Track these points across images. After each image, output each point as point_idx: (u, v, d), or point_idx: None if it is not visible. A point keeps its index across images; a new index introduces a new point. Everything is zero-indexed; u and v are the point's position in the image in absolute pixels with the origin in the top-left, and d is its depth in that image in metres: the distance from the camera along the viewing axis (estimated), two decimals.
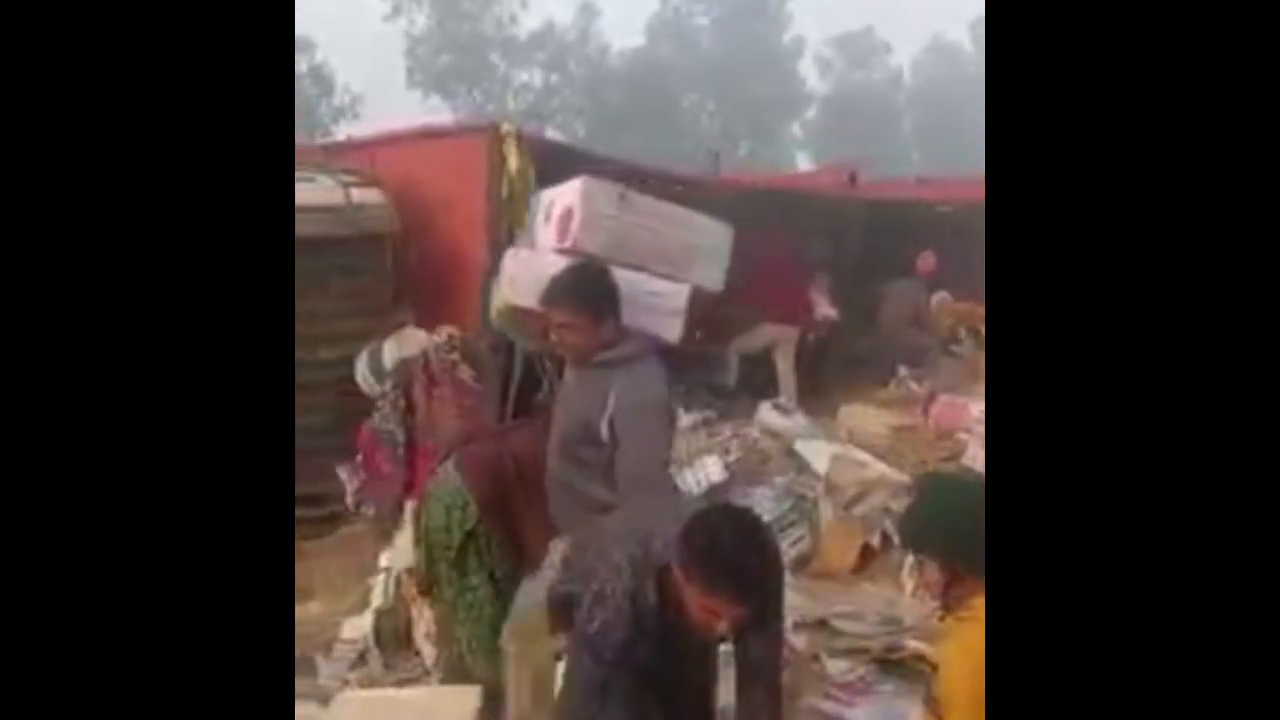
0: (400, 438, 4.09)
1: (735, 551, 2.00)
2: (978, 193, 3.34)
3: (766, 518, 4.69)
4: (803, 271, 7.59)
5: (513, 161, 5.58)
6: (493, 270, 5.59)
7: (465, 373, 4.25)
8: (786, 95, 34.46)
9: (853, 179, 10.04)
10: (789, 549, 4.89)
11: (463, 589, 3.30)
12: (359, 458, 4.30)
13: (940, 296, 8.38)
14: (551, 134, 23.95)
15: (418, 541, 3.39)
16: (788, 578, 4.56)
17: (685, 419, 6.47)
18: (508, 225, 5.71)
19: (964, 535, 1.96)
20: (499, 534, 3.31)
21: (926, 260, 8.42)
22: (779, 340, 7.65)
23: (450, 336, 4.50)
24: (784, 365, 7.59)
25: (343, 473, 4.47)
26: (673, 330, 3.00)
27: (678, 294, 3.02)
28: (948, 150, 28.69)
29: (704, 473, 5.33)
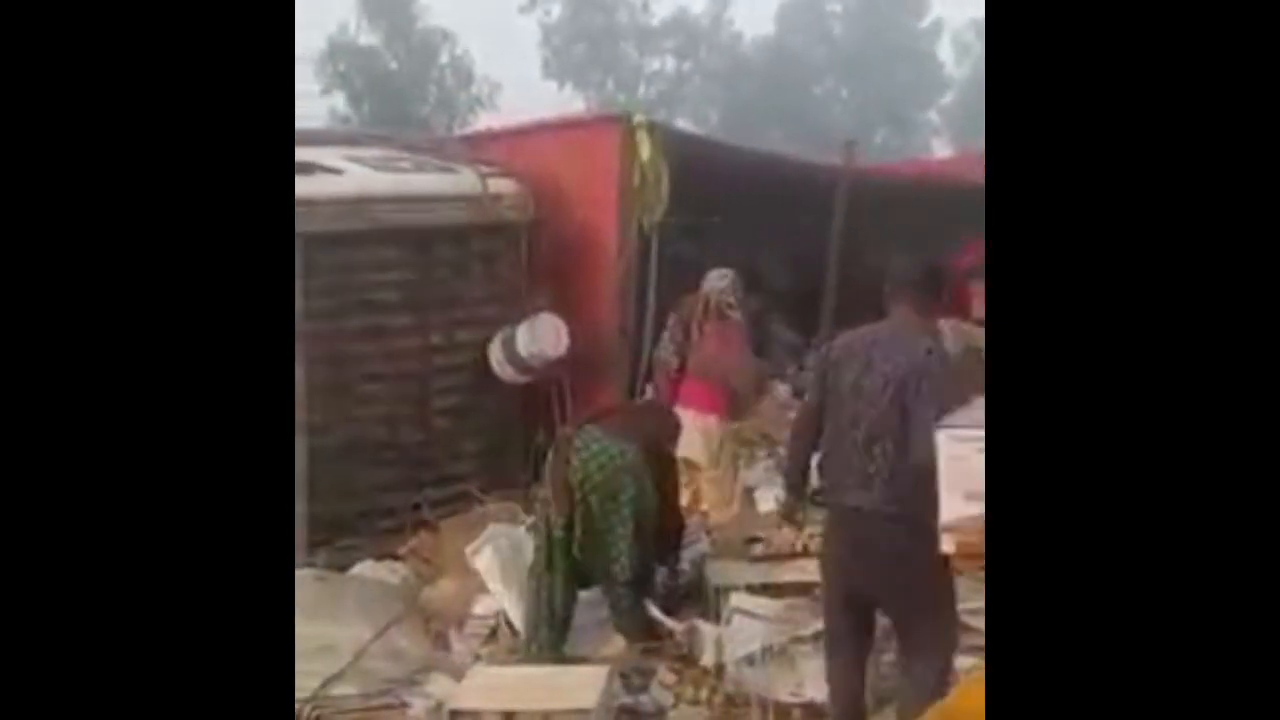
0: (675, 363, 4.93)
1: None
2: None
3: None
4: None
5: (645, 151, 5.63)
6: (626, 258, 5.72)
7: (735, 313, 5.00)
8: (923, 81, 33.41)
9: None
10: None
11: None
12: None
13: None
14: (683, 123, 23.95)
15: (578, 502, 3.67)
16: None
17: None
18: (639, 214, 5.78)
19: None
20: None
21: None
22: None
23: (728, 280, 5.01)
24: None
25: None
26: None
27: None
28: None
29: None
